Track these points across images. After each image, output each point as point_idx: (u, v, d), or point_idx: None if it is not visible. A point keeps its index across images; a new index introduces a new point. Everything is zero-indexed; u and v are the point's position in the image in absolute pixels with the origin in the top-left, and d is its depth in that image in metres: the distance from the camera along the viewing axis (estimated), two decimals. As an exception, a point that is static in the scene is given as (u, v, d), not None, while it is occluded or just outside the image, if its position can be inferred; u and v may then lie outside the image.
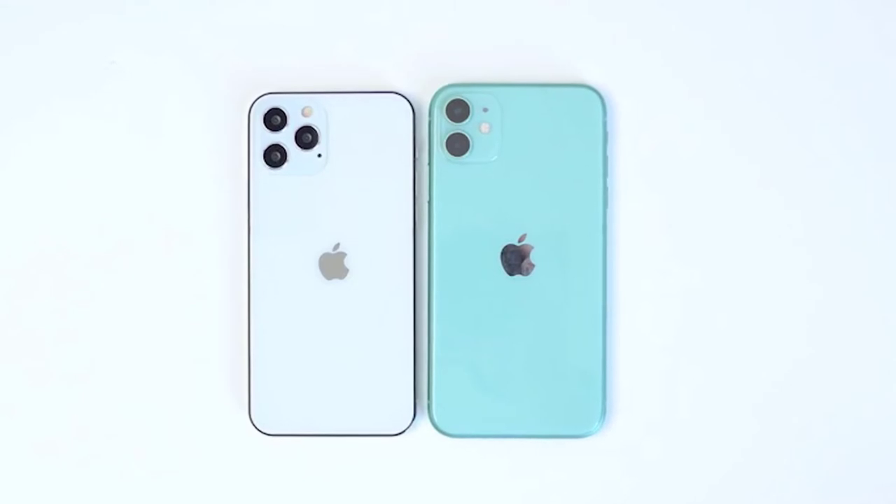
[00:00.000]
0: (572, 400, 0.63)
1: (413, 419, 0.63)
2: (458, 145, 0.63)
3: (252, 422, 0.64)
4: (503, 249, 0.63)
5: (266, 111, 0.63)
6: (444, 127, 0.63)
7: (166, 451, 0.65)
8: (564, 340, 0.63)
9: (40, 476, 0.64)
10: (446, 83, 0.64)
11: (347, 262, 0.63)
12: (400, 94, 0.63)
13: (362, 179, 0.63)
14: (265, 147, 0.63)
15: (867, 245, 0.64)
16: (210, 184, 0.65)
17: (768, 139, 0.65)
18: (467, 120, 0.63)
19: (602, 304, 0.63)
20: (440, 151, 0.63)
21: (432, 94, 0.63)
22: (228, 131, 0.64)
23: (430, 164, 0.63)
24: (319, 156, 0.63)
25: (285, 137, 0.63)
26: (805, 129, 0.64)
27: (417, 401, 0.64)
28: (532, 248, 0.63)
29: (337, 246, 0.63)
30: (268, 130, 0.63)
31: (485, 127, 0.63)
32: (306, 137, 0.63)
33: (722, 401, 0.65)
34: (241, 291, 0.64)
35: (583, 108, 0.63)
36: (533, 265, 0.63)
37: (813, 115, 0.64)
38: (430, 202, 0.63)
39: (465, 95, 0.63)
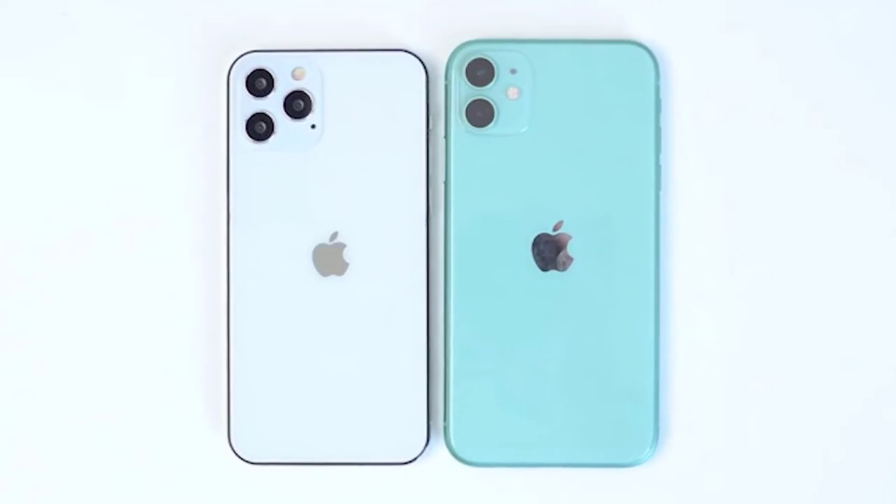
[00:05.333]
0: (618, 422, 0.62)
1: (426, 444, 0.62)
2: (480, 114, 0.61)
3: (232, 447, 0.62)
4: (535, 240, 0.62)
5: (249, 73, 0.62)
6: (463, 92, 0.62)
7: (129, 481, 0.64)
8: (609, 350, 0.62)
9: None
10: (466, 39, 0.62)
11: (347, 255, 0.62)
12: (410, 53, 0.62)
13: (365, 156, 0.62)
14: (248, 116, 0.62)
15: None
16: (181, 161, 0.64)
17: (855, 108, 0.63)
18: (491, 83, 0.62)
19: (654, 307, 0.62)
20: (459, 121, 0.62)
21: (449, 52, 0.62)
22: (203, 97, 0.63)
23: (446, 136, 0.62)
24: (313, 127, 0.62)
25: (272, 105, 0.62)
26: (899, 96, 0.64)
27: (431, 422, 0.63)
28: (570, 238, 0.62)
29: (334, 236, 0.62)
30: (251, 96, 0.62)
31: (512, 92, 0.62)
32: (297, 105, 0.62)
33: (799, 424, 0.64)
34: (220, 290, 0.63)
35: (631, 70, 0.62)
36: (571, 259, 0.62)
37: (908, 79, 0.64)
38: (446, 183, 0.62)
39: (488, 54, 0.62)
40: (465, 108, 0.61)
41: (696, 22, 0.63)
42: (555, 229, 0.61)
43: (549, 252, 0.61)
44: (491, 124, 0.61)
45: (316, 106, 0.62)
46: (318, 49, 0.62)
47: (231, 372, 0.62)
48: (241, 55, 0.62)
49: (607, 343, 0.61)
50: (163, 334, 0.64)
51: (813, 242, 0.63)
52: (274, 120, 0.62)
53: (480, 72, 0.61)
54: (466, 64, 0.61)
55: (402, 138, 0.62)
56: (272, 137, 0.62)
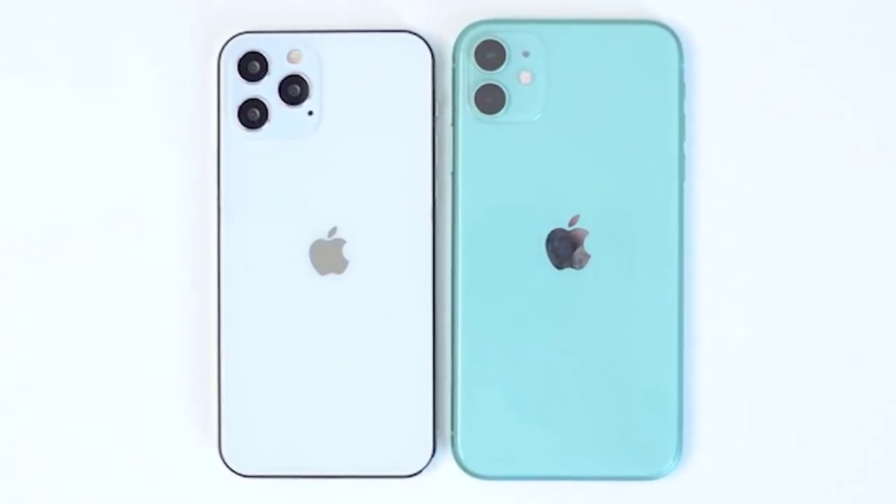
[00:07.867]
0: (639, 431, 0.62)
1: (432, 456, 0.62)
2: (490, 100, 0.61)
3: (223, 459, 0.62)
4: (549, 236, 0.62)
5: (241, 56, 0.62)
6: (472, 76, 0.62)
7: (112, 495, 0.64)
8: (629, 354, 0.62)
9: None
10: (475, 19, 0.62)
11: (346, 251, 0.62)
12: (415, 34, 0.62)
13: (366, 145, 0.62)
14: (240, 102, 0.62)
15: None
16: (170, 150, 0.64)
17: (888, 92, 0.63)
18: (502, 67, 0.62)
19: (677, 307, 0.62)
20: (467, 108, 0.62)
21: (457, 33, 0.62)
22: (193, 82, 0.64)
23: (454, 124, 0.62)
24: (310, 113, 0.62)
25: (266, 90, 0.62)
26: (937, 81, 0.65)
27: (438, 432, 0.62)
28: (587, 233, 0.62)
29: (333, 231, 0.62)
30: (244, 81, 0.62)
31: (525, 76, 0.62)
32: (293, 90, 0.62)
33: (832, 433, 0.64)
34: (210, 290, 0.63)
35: (653, 52, 0.62)
36: (588, 256, 0.62)
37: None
38: (454, 174, 0.62)
39: (499, 35, 0.62)
40: (474, 94, 0.61)
41: (722, 1, 0.63)
42: (570, 224, 0.61)
43: (564, 249, 0.61)
44: (502, 111, 0.61)
45: (313, 91, 0.62)
46: (315, 30, 0.62)
47: (222, 377, 0.62)
48: (233, 36, 0.62)
49: (627, 346, 0.61)
50: (149, 336, 0.64)
51: (847, 236, 0.64)
52: (268, 106, 0.62)
53: (491, 54, 0.61)
54: (476, 46, 0.61)
55: (406, 126, 0.62)
56: (266, 125, 0.62)
